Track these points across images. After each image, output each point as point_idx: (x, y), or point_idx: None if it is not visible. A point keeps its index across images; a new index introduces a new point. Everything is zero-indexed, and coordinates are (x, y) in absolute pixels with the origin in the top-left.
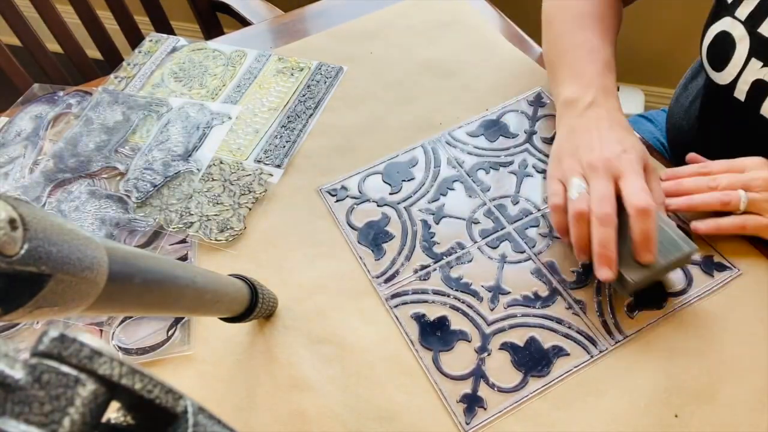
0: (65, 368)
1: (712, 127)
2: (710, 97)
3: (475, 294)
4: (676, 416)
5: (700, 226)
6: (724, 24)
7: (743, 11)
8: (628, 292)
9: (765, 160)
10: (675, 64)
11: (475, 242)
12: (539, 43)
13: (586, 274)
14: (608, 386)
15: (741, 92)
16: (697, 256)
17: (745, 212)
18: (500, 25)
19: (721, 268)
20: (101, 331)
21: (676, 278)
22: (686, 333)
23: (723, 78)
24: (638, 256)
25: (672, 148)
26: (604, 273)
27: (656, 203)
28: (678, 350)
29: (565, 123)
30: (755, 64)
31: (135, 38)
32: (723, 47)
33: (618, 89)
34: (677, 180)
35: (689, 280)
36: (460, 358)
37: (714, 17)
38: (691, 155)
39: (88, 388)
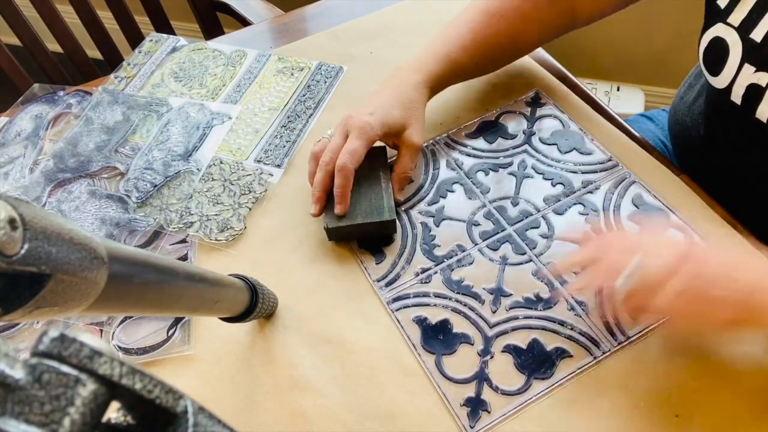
0: (65, 368)
1: (715, 126)
2: (711, 98)
3: (476, 296)
4: (676, 416)
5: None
6: (718, 30)
7: (736, 17)
8: (327, 235)
9: (661, 239)
10: (675, 64)
11: (476, 244)
12: None
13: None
14: (610, 387)
15: (737, 96)
16: None
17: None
18: None
19: None
20: (101, 331)
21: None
22: (687, 334)
23: (719, 82)
24: (335, 205)
25: (675, 144)
26: (311, 208)
27: (396, 173)
28: (679, 351)
29: None
30: (748, 68)
31: (135, 38)
32: (718, 52)
33: (618, 89)
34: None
35: None
36: (463, 361)
37: (708, 23)
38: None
39: (88, 388)
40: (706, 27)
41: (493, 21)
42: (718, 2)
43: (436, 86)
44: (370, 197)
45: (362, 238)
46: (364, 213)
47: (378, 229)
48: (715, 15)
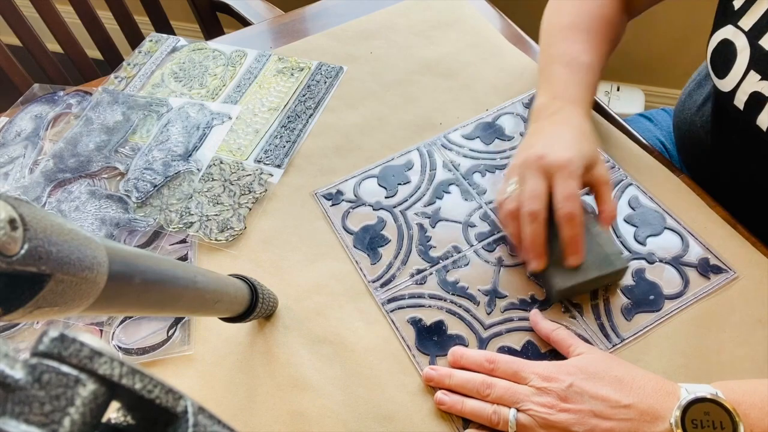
0: (65, 368)
1: (720, 128)
2: (717, 100)
3: (471, 298)
4: None
5: None
6: (728, 32)
7: (747, 21)
8: (554, 297)
9: (560, 368)
10: (675, 64)
11: (472, 246)
12: (539, 42)
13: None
14: None
15: (740, 102)
16: (693, 258)
17: None
18: (500, 25)
19: (718, 270)
20: (101, 331)
21: (672, 281)
22: (683, 335)
23: (724, 85)
24: (566, 258)
25: (680, 144)
26: (533, 264)
27: (606, 215)
28: (675, 353)
29: (530, 127)
30: (754, 76)
31: (135, 38)
32: (725, 55)
33: (618, 89)
34: (455, 372)
35: (685, 283)
36: None
37: (719, 23)
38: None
39: (88, 388)
40: (718, 27)
41: (588, 35)
42: (733, 2)
43: (588, 113)
44: (586, 245)
45: (587, 291)
46: (593, 264)
47: (610, 280)
48: (728, 16)
